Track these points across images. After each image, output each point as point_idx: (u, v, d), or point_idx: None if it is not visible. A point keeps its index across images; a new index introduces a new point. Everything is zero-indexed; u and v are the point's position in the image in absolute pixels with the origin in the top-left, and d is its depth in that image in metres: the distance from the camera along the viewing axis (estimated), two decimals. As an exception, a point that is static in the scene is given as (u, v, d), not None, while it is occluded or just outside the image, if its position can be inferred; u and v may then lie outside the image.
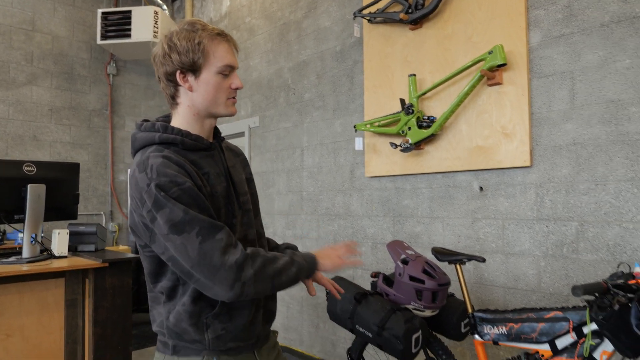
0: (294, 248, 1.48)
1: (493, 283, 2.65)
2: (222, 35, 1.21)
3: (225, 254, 1.05)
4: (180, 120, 1.25)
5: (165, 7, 5.21)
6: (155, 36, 4.65)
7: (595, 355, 1.44)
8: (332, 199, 3.65)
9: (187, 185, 1.10)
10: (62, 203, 2.31)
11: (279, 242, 1.91)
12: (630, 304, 1.26)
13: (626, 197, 2.19)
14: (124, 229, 5.39)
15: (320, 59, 3.81)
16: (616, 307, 1.26)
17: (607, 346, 1.41)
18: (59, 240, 2.20)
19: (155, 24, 4.65)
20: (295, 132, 4.01)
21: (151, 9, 4.67)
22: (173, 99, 1.25)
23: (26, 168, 2.13)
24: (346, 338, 3.51)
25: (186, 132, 1.22)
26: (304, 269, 1.20)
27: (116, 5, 5.31)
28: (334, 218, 3.63)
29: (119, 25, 4.67)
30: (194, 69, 1.19)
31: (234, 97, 1.26)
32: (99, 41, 4.73)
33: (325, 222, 3.71)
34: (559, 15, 2.45)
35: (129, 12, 4.63)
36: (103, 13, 4.70)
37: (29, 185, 2.06)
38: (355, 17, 3.32)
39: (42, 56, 4.83)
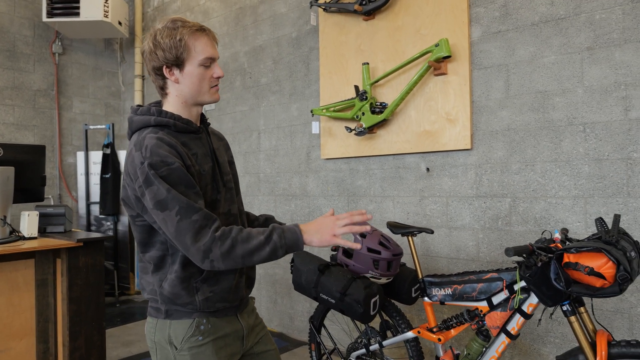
0: (271, 219, 1.66)
1: (438, 254, 2.95)
2: (201, 30, 1.35)
3: (197, 235, 1.20)
4: (171, 107, 1.38)
5: (113, -15, 5.09)
6: (105, 15, 4.56)
7: (524, 307, 1.73)
8: (289, 180, 3.83)
9: (175, 165, 1.24)
10: (29, 185, 2.33)
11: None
12: (549, 263, 1.55)
13: (550, 176, 2.52)
14: (74, 212, 5.29)
15: (277, 44, 3.93)
16: (539, 264, 1.54)
17: (533, 299, 1.70)
18: (29, 222, 2.23)
19: (106, 2, 4.56)
20: (252, 115, 4.13)
21: (100, -13, 4.56)
22: (162, 89, 1.38)
23: (-6, 151, 2.14)
24: (303, 311, 3.73)
25: (178, 116, 1.36)
26: (280, 247, 1.23)
27: (60, -19, 5.12)
28: (291, 198, 3.81)
29: (66, 2, 4.53)
30: (178, 63, 1.32)
31: (216, 86, 1.40)
32: (44, 19, 4.57)
33: (282, 203, 3.88)
34: (497, 13, 2.72)
35: (77, -11, 4.50)
36: (48, -10, 4.53)
37: (-2, 168, 2.08)
38: (311, 5, 3.46)
39: (-20, 33, 4.60)
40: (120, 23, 4.87)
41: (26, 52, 4.91)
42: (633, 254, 1.48)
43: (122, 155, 5.19)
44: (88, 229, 5.15)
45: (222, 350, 1.36)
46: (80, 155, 5.18)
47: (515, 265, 1.86)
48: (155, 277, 1.35)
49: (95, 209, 5.18)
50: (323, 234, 1.24)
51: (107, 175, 5.01)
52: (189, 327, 1.32)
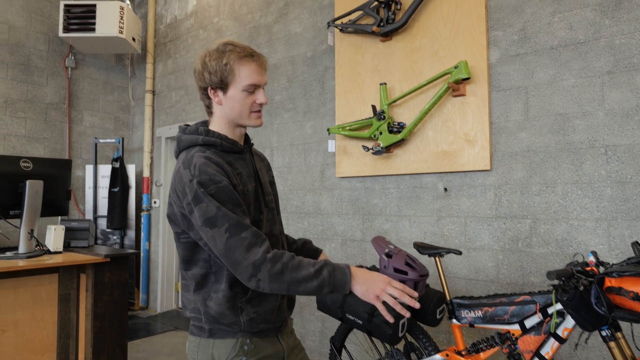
0: (309, 243, 1.66)
1: (456, 275, 2.94)
2: (250, 56, 1.35)
3: (247, 252, 1.20)
4: (216, 126, 1.40)
5: (127, 1, 5.15)
6: (120, 31, 4.60)
7: (559, 331, 1.72)
8: (302, 197, 3.83)
9: (223, 183, 1.25)
10: (54, 199, 2.33)
11: None
12: (590, 287, 1.55)
13: (572, 198, 2.53)
14: (80, 226, 5.26)
15: (291, 63, 3.97)
16: (581, 288, 1.54)
17: (569, 323, 1.70)
18: (55, 236, 2.22)
19: (121, 19, 4.61)
20: (265, 132, 4.14)
21: (117, 4, 4.61)
22: (209, 108, 1.41)
23: (23, 164, 2.13)
24: (315, 331, 3.70)
25: (224, 136, 1.37)
26: (327, 285, 1.20)
27: (75, -3, 5.17)
28: (304, 216, 3.81)
29: (82, 18, 4.57)
30: (222, 86, 1.35)
31: (259, 111, 1.40)
32: (60, 34, 4.61)
33: (295, 220, 3.88)
34: (515, 37, 2.77)
35: (94, 5, 4.55)
36: (66, 5, 4.58)
37: (28, 181, 2.07)
38: (329, 26, 3.51)
39: (-5, 46, 4.63)
40: (133, 39, 4.91)
41: (40, 65, 4.93)
42: (671, 278, 1.49)
43: (130, 169, 5.18)
44: (95, 242, 5.12)
45: (264, 371, 1.35)
46: (89, 168, 5.18)
47: (549, 288, 1.86)
48: (198, 296, 1.34)
49: (102, 223, 5.15)
50: (369, 290, 1.21)
51: (116, 189, 5.00)
52: (233, 347, 1.31)
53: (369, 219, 3.40)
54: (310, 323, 3.73)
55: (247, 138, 1.48)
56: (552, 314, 1.70)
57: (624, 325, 2.30)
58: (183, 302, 1.40)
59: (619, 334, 1.62)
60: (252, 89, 1.36)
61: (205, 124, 1.44)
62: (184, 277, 1.38)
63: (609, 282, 1.49)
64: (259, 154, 1.57)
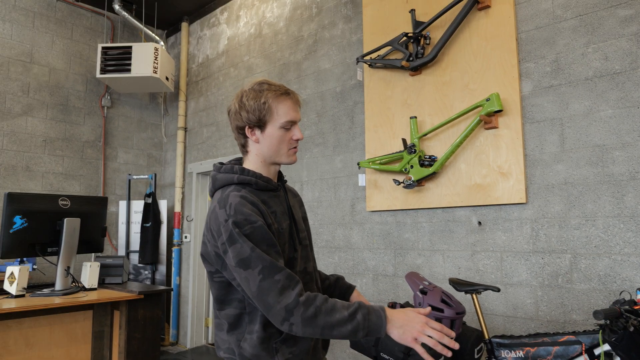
0: (341, 279, 1.63)
1: (493, 312, 2.83)
2: (286, 94, 1.38)
3: (280, 295, 1.18)
4: (251, 165, 1.41)
5: (162, 42, 5.37)
6: (155, 71, 4.78)
7: (608, 374, 1.63)
8: (333, 231, 3.80)
9: (258, 224, 1.25)
10: (90, 236, 2.38)
11: None
12: (641, 327, 1.47)
13: (613, 232, 2.44)
14: (113, 260, 5.34)
15: (321, 98, 4.03)
16: (631, 329, 1.46)
17: (618, 365, 1.60)
18: (91, 273, 2.25)
19: (155, 59, 4.80)
20: (295, 167, 4.17)
21: (151, 45, 4.81)
22: (244, 147, 1.42)
23: (61, 202, 2.20)
24: (346, 368, 3.60)
25: (259, 174, 1.38)
26: (362, 329, 1.17)
27: (112, 40, 5.43)
28: (334, 250, 3.77)
29: (119, 60, 4.78)
30: (259, 124, 1.36)
31: (295, 147, 1.42)
32: (98, 75, 4.82)
33: (325, 254, 3.84)
34: (548, 69, 2.74)
35: (130, 47, 4.76)
36: (103, 48, 4.81)
37: (65, 219, 2.13)
38: (358, 62, 3.56)
39: (38, 88, 4.87)
40: (167, 78, 5.09)
41: (78, 105, 5.15)
42: None
43: (162, 204, 5.28)
44: (127, 278, 5.18)
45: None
46: (122, 204, 5.29)
47: (595, 327, 1.77)
48: (232, 337, 1.33)
49: (134, 258, 5.22)
50: (406, 332, 1.17)
51: (148, 224, 5.09)
52: None
53: (400, 254, 3.34)
54: (334, 357, 3.64)
55: (280, 175, 1.49)
56: (599, 355, 1.60)
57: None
58: (217, 342, 1.39)
59: (677, 379, 1.51)
60: (289, 125, 1.38)
61: (239, 162, 1.46)
62: (218, 316, 1.37)
63: (665, 323, 1.40)
64: (291, 190, 1.57)
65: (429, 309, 1.19)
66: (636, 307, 1.57)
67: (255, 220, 1.25)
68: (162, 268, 5.23)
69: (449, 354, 1.17)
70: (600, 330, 1.61)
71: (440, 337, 1.17)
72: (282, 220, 1.37)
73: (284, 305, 1.17)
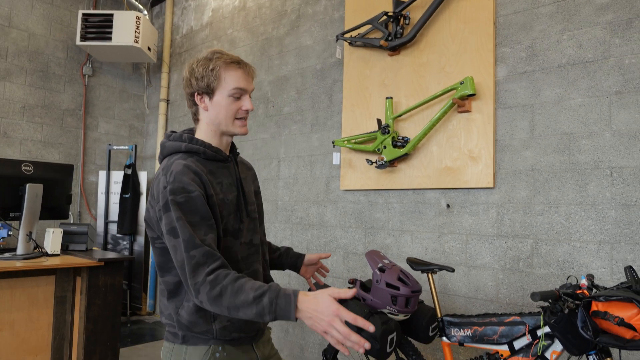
0: (290, 249, 1.66)
1: (456, 293, 2.89)
2: (237, 63, 1.37)
3: (193, 271, 1.19)
4: (202, 134, 1.41)
5: (145, 12, 5.27)
6: (136, 41, 4.71)
7: (547, 354, 1.67)
8: (307, 209, 3.83)
9: (195, 194, 1.25)
10: (55, 202, 2.37)
11: None
12: (577, 310, 1.50)
13: (575, 219, 2.48)
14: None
15: (301, 75, 4.00)
16: (566, 311, 1.50)
17: (557, 346, 1.65)
18: (53, 239, 2.26)
19: (137, 29, 4.72)
20: (273, 143, 4.17)
21: (133, 14, 4.72)
22: (195, 115, 1.42)
23: (24, 167, 2.19)
24: (314, 343, 3.67)
25: (208, 144, 1.38)
26: (268, 313, 1.11)
27: (95, 7, 5.32)
28: (308, 228, 3.80)
29: (99, 27, 4.70)
30: (208, 91, 1.36)
31: (244, 119, 1.41)
32: (78, 42, 4.74)
33: (299, 232, 3.87)
34: (523, 54, 2.74)
35: (111, 15, 4.67)
36: (84, 14, 4.71)
37: (27, 185, 2.12)
38: (337, 39, 3.53)
39: (16, 53, 4.78)
40: (149, 49, 5.02)
41: (58, 73, 5.07)
42: (665, 305, 1.43)
43: (142, 176, 5.26)
44: (105, 247, 5.19)
45: (237, 379, 1.34)
46: (102, 174, 5.27)
47: (539, 309, 1.81)
48: (172, 304, 1.35)
49: (113, 228, 5.23)
50: (315, 324, 1.08)
51: (127, 195, 5.08)
52: (205, 354, 1.31)
53: (371, 233, 3.37)
54: (310, 335, 3.70)
55: (233, 147, 1.49)
56: (540, 337, 1.65)
57: (615, 351, 2.22)
58: (160, 308, 1.41)
59: (609, 360, 1.56)
60: (238, 94, 1.37)
61: (192, 131, 1.46)
62: (161, 283, 1.39)
63: (596, 306, 1.44)
64: (245, 163, 1.58)
65: (354, 290, 1.12)
66: (579, 292, 1.61)
67: (192, 190, 1.25)
68: (141, 239, 5.24)
69: (371, 327, 1.10)
70: (542, 313, 1.65)
71: (345, 338, 1.06)
72: (229, 191, 1.38)
73: (194, 282, 1.18)
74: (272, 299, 1.11)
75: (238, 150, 1.53)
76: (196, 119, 1.43)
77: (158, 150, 5.45)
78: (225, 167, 1.42)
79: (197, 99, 1.38)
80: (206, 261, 1.19)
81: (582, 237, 2.44)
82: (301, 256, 1.69)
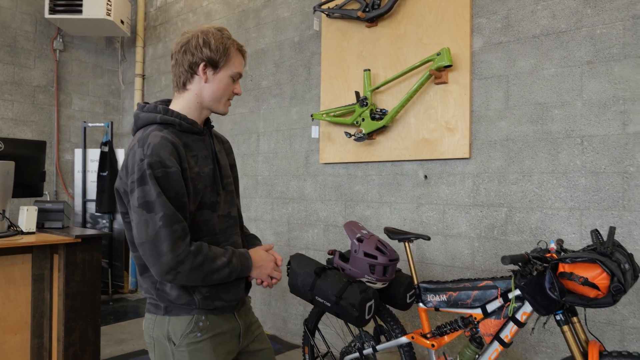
0: (254, 239, 1.66)
1: (433, 261, 2.96)
2: (242, 50, 1.45)
3: (174, 245, 1.21)
4: (182, 104, 1.40)
5: (117, -17, 5.10)
6: (108, 13, 4.57)
7: (517, 316, 1.75)
8: (287, 183, 3.84)
9: (173, 169, 1.25)
10: (28, 180, 2.34)
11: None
12: (545, 272, 1.57)
13: (547, 187, 2.55)
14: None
15: (279, 48, 3.95)
16: (535, 273, 1.56)
17: (527, 308, 1.72)
18: (27, 217, 2.23)
19: (109, 1, 4.57)
20: (252, 118, 4.14)
21: (104, -15, 4.57)
22: (184, 84, 1.40)
23: (-5, 144, 2.14)
24: (297, 315, 3.73)
25: (184, 116, 1.37)
26: (235, 271, 1.33)
27: (64, -22, 5.13)
28: (288, 201, 3.82)
29: None
30: (215, 66, 1.38)
31: (230, 100, 1.46)
32: (47, 15, 4.58)
33: (279, 205, 3.89)
34: (499, 25, 2.75)
35: (81, -13, 4.51)
36: (52, -14, 4.54)
37: (-2, 162, 2.08)
38: (315, 11, 3.49)
39: (-18, 27, 4.61)
40: (122, 22, 4.88)
41: (27, 47, 4.91)
42: (627, 266, 1.50)
43: (120, 153, 5.19)
44: (84, 226, 5.14)
45: (220, 347, 1.37)
46: (78, 152, 5.18)
47: (511, 274, 1.88)
48: (146, 279, 1.35)
49: (92, 207, 5.17)
50: (262, 271, 1.43)
51: (105, 173, 5.01)
52: (188, 324, 1.33)
53: (351, 205, 3.41)
54: (293, 307, 3.77)
55: (207, 120, 1.48)
56: (511, 299, 1.72)
57: (580, 310, 2.33)
58: (138, 281, 1.42)
59: (575, 319, 1.64)
60: (237, 77, 1.43)
61: (167, 102, 1.45)
62: (134, 258, 1.39)
63: (563, 268, 1.50)
64: (219, 137, 1.58)
65: (271, 245, 1.49)
66: (547, 255, 1.67)
67: (170, 165, 1.25)
68: (120, 217, 5.20)
69: (280, 275, 1.47)
70: (513, 276, 1.71)
71: (279, 276, 1.46)
72: (204, 164, 1.37)
73: (176, 254, 1.20)
74: (238, 258, 1.35)
75: (212, 124, 1.53)
76: (183, 88, 1.40)
77: (135, 127, 5.36)
78: (201, 140, 1.41)
79: (200, 68, 1.36)
80: (183, 235, 1.24)
81: (554, 205, 2.52)
82: (257, 239, 1.70)
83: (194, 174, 1.33)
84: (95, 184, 5.12)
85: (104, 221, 5.16)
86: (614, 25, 2.39)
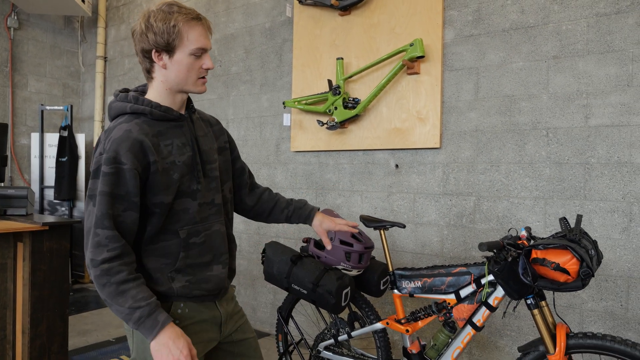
0: (299, 209, 1.66)
1: (404, 249, 3.02)
2: (197, 19, 1.31)
3: (93, 247, 1.21)
4: (154, 92, 1.35)
5: (77, -40, 4.86)
6: (68, -8, 4.36)
7: (490, 300, 1.82)
8: (257, 171, 3.81)
9: (126, 167, 1.22)
10: (-12, 165, 2.22)
11: None
12: (518, 258, 1.64)
13: (514, 177, 2.64)
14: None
15: (249, 34, 3.89)
16: (509, 259, 1.63)
17: (499, 292, 1.79)
18: (-11, 203, 2.12)
19: (69, -22, 4.36)
20: (221, 104, 4.07)
21: (64, -39, 4.35)
22: (149, 72, 1.35)
23: (-48, 127, 2.00)
24: (266, 303, 3.74)
25: (156, 103, 1.32)
26: (132, 323, 1.20)
27: (18, -48, 4.84)
28: (258, 189, 3.79)
29: (25, -25, 4.29)
30: (168, 49, 1.28)
31: (204, 77, 1.37)
32: (0, -10, 4.32)
33: (249, 193, 3.86)
34: (470, 18, 2.81)
35: (38, -38, 4.27)
36: (7, -40, 4.28)
37: (-43, 146, 1.96)
38: (287, -3, 3.45)
39: None
40: (83, 0, 4.67)
41: (-21, 24, 4.62)
42: (593, 252, 1.59)
43: (80, 138, 4.99)
44: (41, 213, 4.93)
45: (199, 335, 1.36)
46: (35, 136, 4.95)
47: (484, 260, 1.95)
48: None
49: (49, 193, 4.97)
50: (159, 353, 1.19)
51: (64, 159, 4.81)
52: (167, 311, 1.31)
53: (322, 194, 3.43)
54: (262, 295, 3.77)
55: (189, 103, 1.44)
56: (484, 284, 1.78)
57: (548, 294, 2.45)
58: None
59: (543, 303, 1.72)
60: (200, 52, 1.31)
61: (144, 88, 1.40)
62: None
63: (535, 254, 1.57)
64: (207, 119, 1.52)
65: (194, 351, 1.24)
66: (519, 242, 1.74)
67: (125, 162, 1.22)
68: (81, 205, 5.02)
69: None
70: (487, 262, 1.77)
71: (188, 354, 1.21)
72: (181, 152, 1.33)
73: (91, 257, 1.21)
74: (141, 317, 1.19)
75: (195, 108, 1.47)
76: (150, 77, 1.35)
77: (97, 111, 5.17)
78: (178, 127, 1.36)
79: (154, 56, 1.29)
80: (107, 244, 1.20)
81: (520, 194, 2.62)
82: (310, 218, 1.66)
83: (167, 164, 1.29)
84: (53, 170, 4.92)
85: (64, 209, 4.97)
86: (578, 22, 2.48)
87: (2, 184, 4.08)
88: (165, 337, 1.20)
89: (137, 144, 1.24)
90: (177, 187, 1.30)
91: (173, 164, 1.30)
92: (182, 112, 1.41)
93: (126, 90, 1.37)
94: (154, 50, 1.29)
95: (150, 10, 1.30)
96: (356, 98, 3.13)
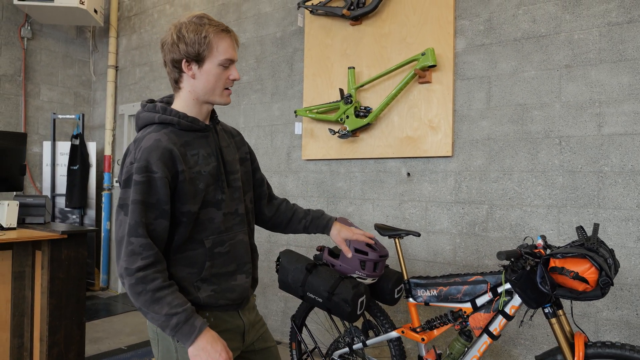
0: (317, 219, 1.68)
1: (416, 257, 3.03)
2: (226, 31, 1.35)
3: (127, 256, 1.22)
4: (181, 102, 1.38)
5: (89, -29, 4.93)
6: (82, 2, 4.42)
7: (506, 309, 1.82)
8: (268, 179, 3.83)
9: (158, 175, 1.24)
10: (7, 173, 2.24)
11: None
12: (536, 267, 1.64)
13: (526, 185, 2.64)
14: (37, 203, 5.09)
15: (260, 43, 3.93)
16: (528, 268, 1.63)
17: (516, 301, 1.79)
18: (9, 212, 2.14)
19: (82, -11, 4.42)
20: (232, 112, 4.10)
21: (77, -27, 4.42)
22: (176, 83, 1.38)
23: (-26, 136, 2.04)
24: (277, 311, 3.74)
25: (183, 114, 1.35)
26: (169, 330, 1.21)
27: (32, -36, 4.92)
28: (269, 197, 3.81)
29: (40, -14, 4.36)
30: (198, 59, 1.32)
31: (229, 88, 1.40)
32: (15, 1, 4.39)
33: (260, 201, 3.87)
34: (481, 27, 2.83)
35: (53, -27, 4.35)
36: (21, -29, 4.35)
37: (-21, 155, 1.99)
38: (299, 7, 3.49)
39: (-56, 11, 4.37)
40: (95, 11, 4.73)
41: (-7, 34, 4.69)
42: (610, 260, 1.59)
43: (91, 147, 5.04)
44: (53, 221, 4.97)
45: (223, 344, 1.37)
46: (47, 145, 5.00)
47: (500, 268, 1.95)
48: None
49: (60, 201, 5.01)
50: (198, 356, 1.21)
51: (75, 167, 4.86)
52: None
53: (333, 202, 3.44)
54: (273, 303, 3.77)
55: (213, 114, 1.47)
56: (501, 293, 1.78)
57: (565, 303, 2.44)
58: None
59: (560, 312, 1.72)
60: (228, 64, 1.35)
61: (170, 99, 1.43)
62: None
63: (554, 263, 1.58)
64: (229, 130, 1.55)
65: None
66: (535, 251, 1.74)
67: (156, 171, 1.24)
68: (91, 212, 5.06)
69: None
70: (504, 271, 1.78)
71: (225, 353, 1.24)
72: (206, 162, 1.36)
73: (126, 266, 1.21)
74: (179, 323, 1.21)
75: (219, 119, 1.50)
76: (178, 87, 1.38)
77: (108, 119, 5.22)
78: (204, 137, 1.39)
79: (184, 65, 1.33)
80: (141, 252, 1.22)
81: (533, 202, 2.62)
82: (327, 227, 1.68)
83: (193, 173, 1.32)
84: (65, 178, 4.96)
85: (74, 216, 5.01)
86: (590, 32, 2.50)
87: (21, 193, 4.13)
88: (203, 341, 1.22)
89: (167, 152, 1.27)
90: (202, 197, 1.33)
91: (199, 173, 1.33)
92: (207, 122, 1.43)
93: (152, 101, 1.40)
94: (184, 60, 1.32)
95: (182, 22, 1.33)
96: (368, 107, 3.15)
